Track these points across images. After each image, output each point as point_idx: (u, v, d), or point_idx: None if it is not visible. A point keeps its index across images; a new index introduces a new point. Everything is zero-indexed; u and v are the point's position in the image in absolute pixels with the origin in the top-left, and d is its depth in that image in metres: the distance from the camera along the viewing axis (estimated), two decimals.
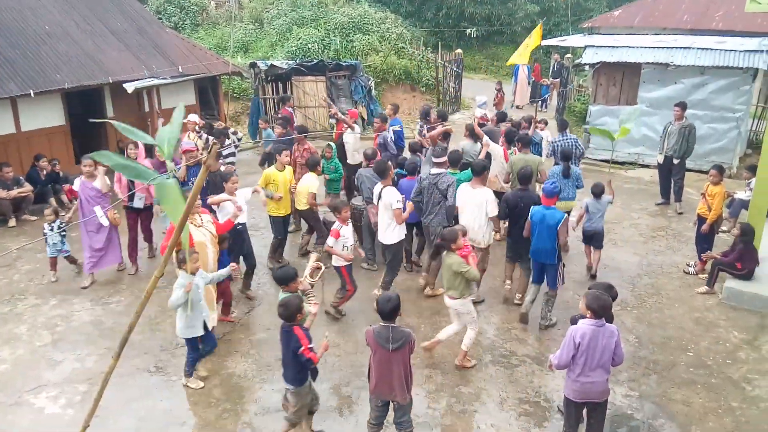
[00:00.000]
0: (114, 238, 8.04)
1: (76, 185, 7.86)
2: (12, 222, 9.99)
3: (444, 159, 7.49)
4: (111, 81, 11.67)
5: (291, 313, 4.75)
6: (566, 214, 6.88)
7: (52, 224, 7.97)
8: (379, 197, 7.30)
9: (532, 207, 6.81)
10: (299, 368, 4.82)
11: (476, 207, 7.09)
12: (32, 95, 10.42)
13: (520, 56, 10.44)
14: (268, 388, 5.92)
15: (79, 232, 8.15)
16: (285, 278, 5.26)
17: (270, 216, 8.23)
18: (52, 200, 10.29)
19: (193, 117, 10.25)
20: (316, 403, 5.21)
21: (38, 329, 6.94)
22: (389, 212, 7.15)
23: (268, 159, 9.28)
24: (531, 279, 7.09)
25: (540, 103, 20.20)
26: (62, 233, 8.01)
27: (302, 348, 4.64)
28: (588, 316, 4.67)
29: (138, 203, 8.20)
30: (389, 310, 4.67)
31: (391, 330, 4.67)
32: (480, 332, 6.59)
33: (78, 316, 7.21)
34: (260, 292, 7.81)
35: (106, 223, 7.87)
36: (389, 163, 7.76)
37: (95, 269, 7.99)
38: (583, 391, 4.73)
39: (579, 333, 4.62)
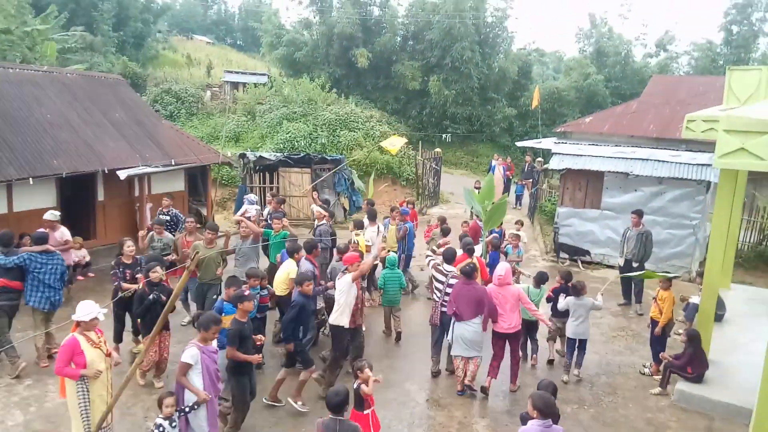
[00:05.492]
0: None
1: (193, 357, 5.58)
2: None
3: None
4: (106, 170, 12.29)
5: None
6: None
7: (171, 417, 5.42)
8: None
9: None
10: None
11: None
12: (31, 182, 10.92)
13: None
14: None
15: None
16: None
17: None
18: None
19: None
20: None
21: (11, 409, 7.08)
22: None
23: None
24: None
25: (515, 201, 21.23)
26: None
27: None
28: (534, 416, 5.03)
29: None
30: (336, 404, 4.88)
31: (338, 423, 4.87)
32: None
33: (52, 397, 7.35)
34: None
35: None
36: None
37: None
38: None
39: None
